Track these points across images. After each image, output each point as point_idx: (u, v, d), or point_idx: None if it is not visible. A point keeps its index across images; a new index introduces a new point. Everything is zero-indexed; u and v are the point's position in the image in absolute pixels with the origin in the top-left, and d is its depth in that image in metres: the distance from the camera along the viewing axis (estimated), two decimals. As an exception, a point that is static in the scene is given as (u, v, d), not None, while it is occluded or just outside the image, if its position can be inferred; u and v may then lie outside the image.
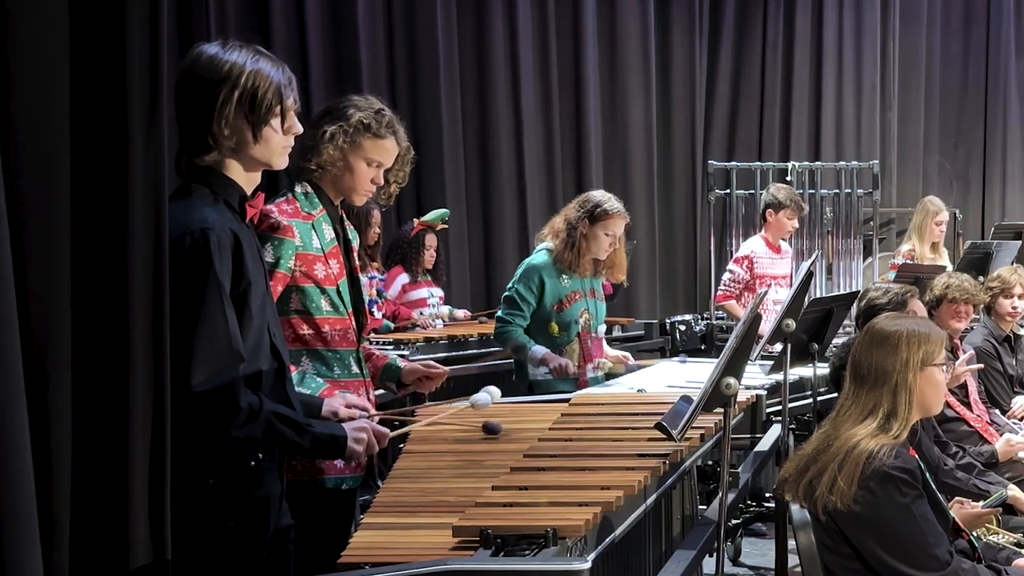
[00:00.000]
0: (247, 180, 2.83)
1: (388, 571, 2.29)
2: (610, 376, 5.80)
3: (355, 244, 3.81)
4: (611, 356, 5.89)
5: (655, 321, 9.10)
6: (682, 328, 8.86)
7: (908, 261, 8.37)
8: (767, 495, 6.32)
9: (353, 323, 3.67)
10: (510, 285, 5.66)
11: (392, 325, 7.14)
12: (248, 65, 2.71)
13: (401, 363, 3.92)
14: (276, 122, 2.77)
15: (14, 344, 1.86)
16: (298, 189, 3.65)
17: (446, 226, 8.02)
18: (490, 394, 3.52)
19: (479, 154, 9.55)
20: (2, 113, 1.87)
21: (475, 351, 7.09)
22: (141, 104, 2.14)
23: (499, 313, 5.68)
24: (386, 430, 3.07)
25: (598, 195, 5.66)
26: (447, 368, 3.94)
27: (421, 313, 7.42)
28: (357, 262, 3.79)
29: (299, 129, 2.87)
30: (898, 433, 3.36)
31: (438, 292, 7.78)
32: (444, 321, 7.47)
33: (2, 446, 1.83)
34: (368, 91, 3.85)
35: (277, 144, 2.81)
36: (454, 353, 6.97)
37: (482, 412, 3.54)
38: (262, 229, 3.51)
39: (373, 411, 3.50)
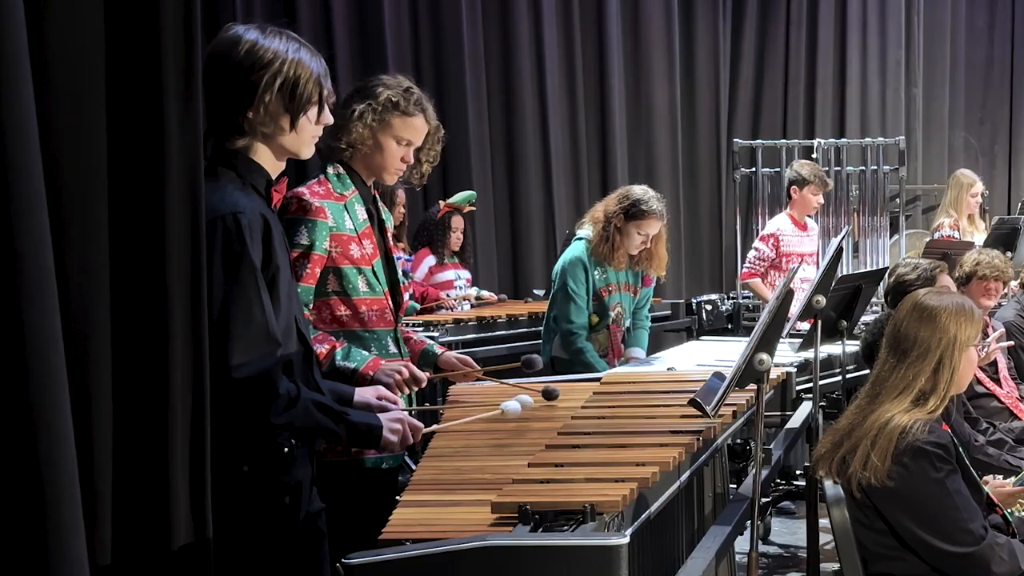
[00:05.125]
0: (273, 166, 2.82)
1: (430, 547, 2.30)
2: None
3: (389, 225, 3.82)
4: None
5: (681, 301, 9.08)
6: (708, 308, 8.86)
7: (951, 233, 8.31)
8: (797, 473, 6.34)
9: (390, 303, 3.69)
10: (560, 285, 5.55)
11: (418, 307, 7.15)
12: (291, 54, 2.71)
13: (438, 350, 3.94)
14: (312, 112, 2.78)
15: (55, 330, 1.87)
16: (330, 171, 3.66)
17: (473, 208, 8.02)
18: (521, 403, 3.45)
19: (504, 136, 9.55)
20: (39, 99, 1.87)
21: (504, 331, 7.09)
22: (176, 86, 2.14)
23: (565, 326, 5.51)
24: (420, 424, 3.06)
25: (639, 192, 5.62)
26: (480, 369, 3.93)
27: (448, 295, 7.43)
28: (391, 242, 3.80)
29: (330, 120, 2.87)
30: (934, 408, 3.36)
31: (465, 274, 7.77)
32: (471, 303, 7.47)
33: (45, 430, 1.84)
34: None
35: (308, 134, 2.81)
36: (483, 334, 6.99)
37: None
38: (294, 212, 3.53)
39: (421, 380, 3.53)
